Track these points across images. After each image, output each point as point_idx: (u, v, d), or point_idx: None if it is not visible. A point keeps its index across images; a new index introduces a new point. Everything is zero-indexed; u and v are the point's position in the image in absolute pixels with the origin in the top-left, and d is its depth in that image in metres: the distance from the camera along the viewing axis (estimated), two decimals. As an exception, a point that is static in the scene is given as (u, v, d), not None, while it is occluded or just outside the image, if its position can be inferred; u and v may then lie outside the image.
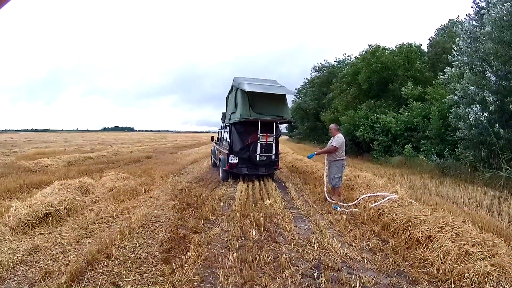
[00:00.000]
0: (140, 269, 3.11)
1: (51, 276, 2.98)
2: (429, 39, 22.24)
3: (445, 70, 11.12)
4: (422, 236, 3.76)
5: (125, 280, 2.88)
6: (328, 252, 3.68)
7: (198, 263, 3.29)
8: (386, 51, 18.87)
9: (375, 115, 16.02)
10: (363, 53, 20.60)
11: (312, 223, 4.88)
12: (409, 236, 3.96)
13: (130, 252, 3.47)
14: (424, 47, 21.12)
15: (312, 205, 6.12)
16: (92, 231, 4.37)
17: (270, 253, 3.64)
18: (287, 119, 8.91)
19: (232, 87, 9.85)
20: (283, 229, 4.51)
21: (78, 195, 5.91)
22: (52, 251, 3.62)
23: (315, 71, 36.41)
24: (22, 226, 4.34)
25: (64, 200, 5.15)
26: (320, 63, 35.77)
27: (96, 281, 2.84)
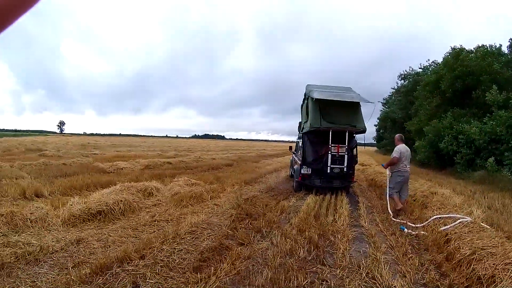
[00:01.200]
0: (167, 274, 3.37)
1: (81, 266, 3.52)
2: (509, 41, 21.01)
3: None
4: (485, 274, 3.53)
5: (146, 281, 3.20)
6: (375, 283, 3.53)
7: (228, 276, 3.40)
8: (471, 54, 18.53)
9: (460, 124, 15.83)
10: (446, 56, 20.72)
11: (371, 245, 4.80)
12: (472, 271, 3.71)
13: (165, 256, 3.80)
14: (504, 48, 20.49)
15: (379, 224, 6.10)
16: (141, 232, 4.92)
17: (308, 276, 3.62)
18: (360, 128, 9.00)
19: (304, 95, 10.34)
20: (336, 250, 4.49)
21: (138, 197, 6.72)
22: (93, 245, 4.29)
23: (401, 79, 37.79)
24: (73, 220, 5.22)
25: (121, 201, 5.93)
26: (406, 71, 36.85)
27: (117, 278, 3.24)
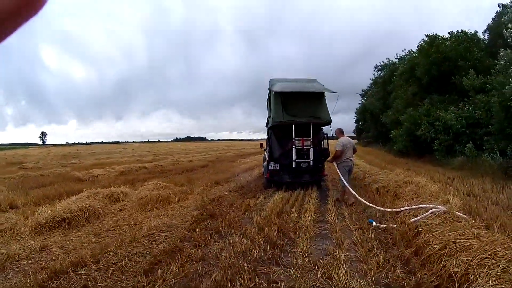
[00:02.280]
0: (118, 277, 3.44)
1: (42, 272, 3.62)
2: (487, 26, 21.55)
3: (500, 53, 10.86)
4: (457, 272, 3.15)
5: (97, 285, 3.29)
6: (330, 284, 3.35)
7: (175, 279, 3.42)
8: (446, 41, 18.57)
9: (437, 111, 15.88)
10: (421, 43, 20.64)
11: (334, 241, 4.64)
12: (442, 268, 3.34)
13: (119, 260, 3.85)
14: (480, 35, 20.66)
15: (345, 218, 5.92)
16: (103, 237, 4.95)
17: (259, 277, 3.50)
18: (325, 120, 8.85)
19: (268, 89, 10.13)
20: (295, 248, 4.36)
21: (104, 203, 6.70)
22: (56, 251, 4.43)
23: (378, 71, 37.97)
24: (39, 228, 5.29)
25: (85, 207, 5.92)
26: (382, 62, 36.83)
27: (70, 282, 3.34)
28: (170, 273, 3.50)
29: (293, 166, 8.48)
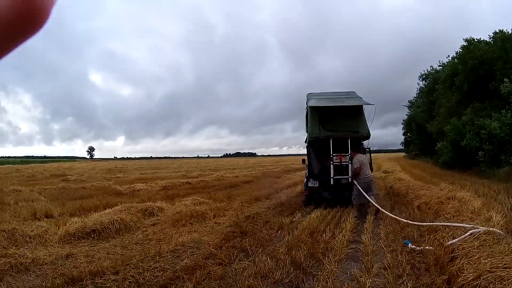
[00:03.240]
0: None
1: (61, 277, 3.83)
2: None
3: None
4: None
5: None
6: None
7: None
8: (481, 43, 17.97)
9: (481, 119, 15.24)
10: (459, 50, 20.18)
11: (363, 265, 4.39)
12: None
13: (138, 273, 3.87)
14: None
15: (382, 238, 5.66)
16: (130, 250, 5.06)
17: None
18: (363, 134, 8.73)
19: (306, 104, 10.11)
20: (321, 271, 4.17)
21: (137, 217, 6.91)
22: (80, 260, 4.64)
23: (422, 80, 37.60)
24: (68, 238, 5.59)
25: (116, 220, 6.14)
26: (427, 70, 36.42)
27: None
28: None
29: (331, 183, 8.40)
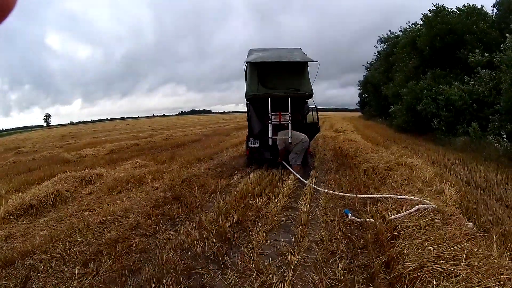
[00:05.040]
0: (59, 267, 3.52)
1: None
2: (495, 1, 20.23)
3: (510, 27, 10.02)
4: None
5: (38, 275, 3.41)
6: None
7: (106, 273, 3.38)
8: (453, 13, 17.94)
9: (439, 86, 15.25)
10: (427, 13, 19.77)
11: (294, 237, 4.10)
12: None
13: (65, 249, 3.91)
14: (488, 10, 19.59)
15: (321, 205, 5.35)
16: (65, 223, 5.00)
17: (189, 279, 3.23)
18: (305, 92, 8.28)
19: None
20: (247, 244, 3.95)
21: (75, 187, 6.81)
22: (18, 240, 4.51)
23: (381, 43, 38.14)
24: (8, 217, 5.40)
25: (52, 193, 6.03)
26: (386, 34, 37.00)
27: (16, 271, 3.50)
28: (104, 266, 3.50)
29: (270, 143, 8.11)
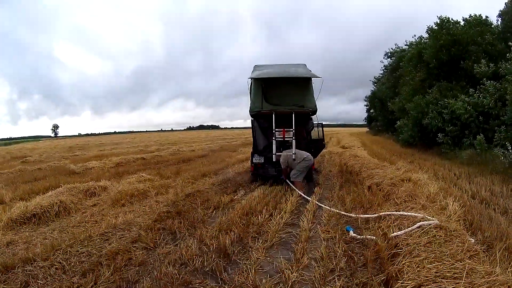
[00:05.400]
0: (58, 276, 3.62)
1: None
2: (499, 11, 20.57)
3: None
4: None
5: (37, 282, 3.52)
6: None
7: (104, 285, 3.43)
8: (458, 24, 17.85)
9: (445, 99, 15.16)
10: (432, 26, 19.77)
11: (294, 254, 4.11)
12: None
13: (65, 258, 4.02)
14: (493, 21, 19.60)
15: (323, 222, 5.40)
16: (67, 233, 5.12)
17: None
18: (309, 109, 8.35)
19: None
20: (246, 260, 3.99)
21: (78, 198, 6.96)
22: (19, 246, 4.66)
23: (388, 57, 38.33)
24: (11, 224, 5.57)
25: (56, 203, 6.18)
26: (392, 48, 37.16)
27: (16, 277, 3.63)
28: (103, 277, 3.55)
29: (273, 160, 8.17)
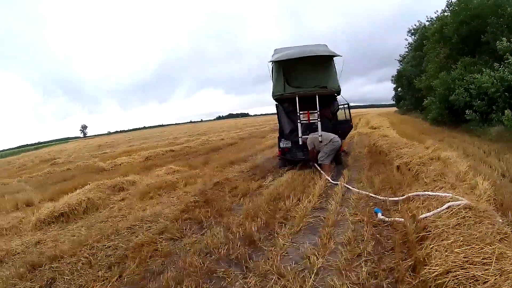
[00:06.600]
0: (85, 271, 3.71)
1: (25, 265, 4.02)
2: None
3: None
4: None
5: (63, 277, 3.65)
6: None
7: (129, 276, 3.51)
8: None
9: (470, 75, 14.75)
10: (451, 0, 19.51)
11: (320, 239, 4.05)
12: None
13: (92, 253, 4.12)
14: None
15: (351, 205, 5.30)
16: (94, 229, 5.23)
17: (210, 283, 3.29)
18: (332, 89, 8.30)
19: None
20: (272, 247, 3.95)
21: (107, 194, 7.16)
22: (48, 245, 4.82)
23: (411, 35, 37.77)
24: (39, 224, 5.80)
25: (83, 200, 6.38)
26: (415, 25, 36.43)
27: (43, 274, 3.76)
28: (128, 269, 3.62)
29: (300, 143, 8.17)
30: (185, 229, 4.80)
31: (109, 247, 4.34)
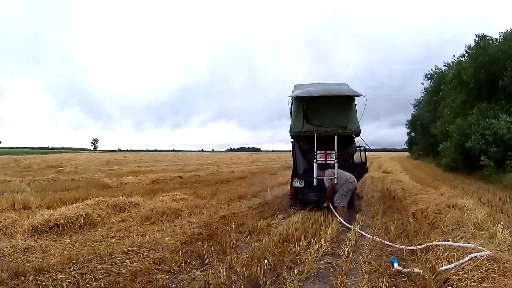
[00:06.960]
0: None
1: (7, 271, 3.86)
2: None
3: None
4: None
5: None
6: None
7: None
8: (494, 41, 17.61)
9: (487, 120, 14.85)
10: (470, 45, 19.71)
11: None
12: None
13: (81, 273, 3.85)
14: None
15: (365, 252, 5.05)
16: (89, 247, 4.98)
17: None
18: (352, 130, 8.09)
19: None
20: None
21: (107, 212, 6.92)
22: (36, 254, 4.67)
23: (427, 79, 38.39)
24: (31, 231, 5.66)
25: (81, 215, 6.16)
26: (432, 70, 37.14)
27: (26, 284, 3.61)
28: None
29: (314, 184, 7.84)
30: (184, 263, 4.48)
31: (101, 269, 4.06)
